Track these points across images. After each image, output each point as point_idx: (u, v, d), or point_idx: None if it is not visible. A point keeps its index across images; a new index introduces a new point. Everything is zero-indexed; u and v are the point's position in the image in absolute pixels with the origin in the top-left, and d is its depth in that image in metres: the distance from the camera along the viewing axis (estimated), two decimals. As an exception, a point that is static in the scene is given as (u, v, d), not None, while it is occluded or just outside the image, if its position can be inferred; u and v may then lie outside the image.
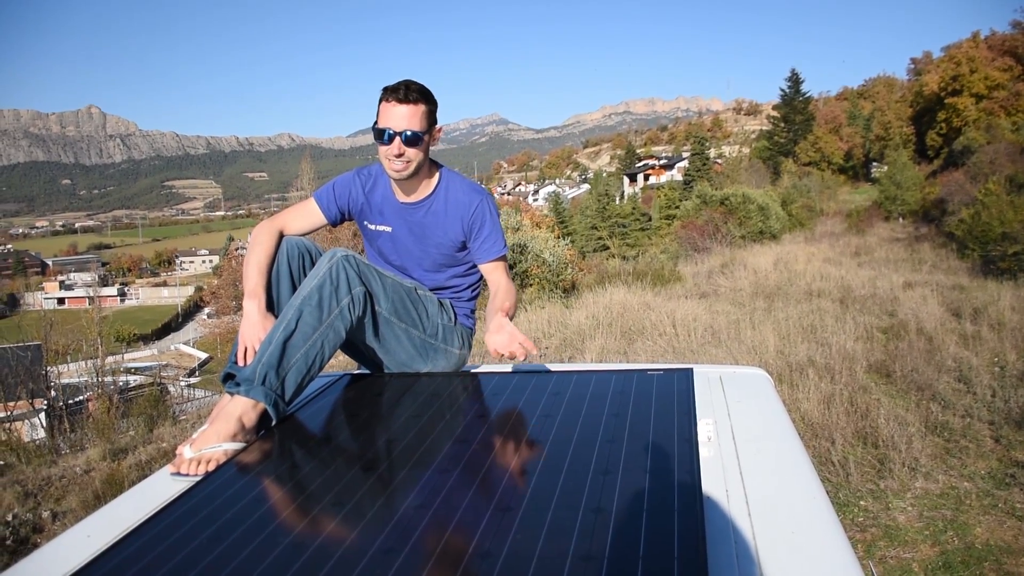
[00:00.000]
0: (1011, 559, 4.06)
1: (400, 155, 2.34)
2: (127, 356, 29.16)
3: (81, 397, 14.54)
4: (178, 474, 1.76)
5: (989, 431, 5.91)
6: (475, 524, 1.31)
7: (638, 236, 49.45)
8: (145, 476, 7.02)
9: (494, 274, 2.60)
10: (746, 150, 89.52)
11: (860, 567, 1.13)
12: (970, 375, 7.20)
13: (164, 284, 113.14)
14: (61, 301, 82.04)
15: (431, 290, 2.58)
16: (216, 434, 1.85)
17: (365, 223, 2.61)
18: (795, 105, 60.20)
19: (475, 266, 2.65)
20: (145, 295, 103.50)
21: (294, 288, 2.31)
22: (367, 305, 2.25)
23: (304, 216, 2.54)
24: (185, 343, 58.13)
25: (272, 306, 2.27)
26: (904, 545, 4.31)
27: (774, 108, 65.10)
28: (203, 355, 49.25)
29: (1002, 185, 21.79)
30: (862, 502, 4.86)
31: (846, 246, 23.82)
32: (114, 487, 6.91)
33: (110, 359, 16.97)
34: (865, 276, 15.18)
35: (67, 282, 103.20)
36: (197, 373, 39.68)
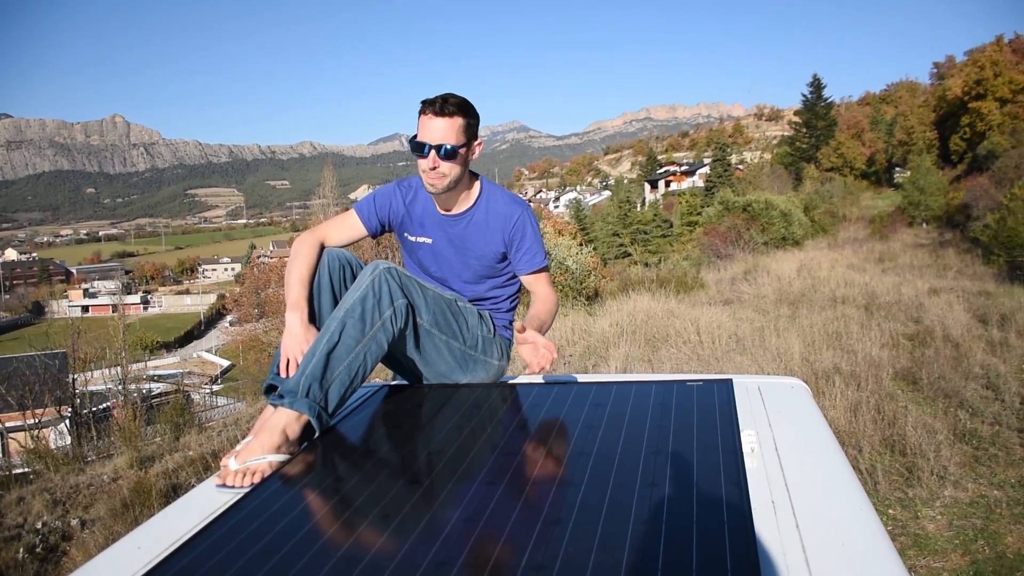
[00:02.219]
0: (1042, 569, 4.03)
1: (435, 168, 2.34)
2: (150, 364, 29.38)
3: (106, 404, 14.68)
4: (224, 486, 1.78)
5: (1018, 439, 5.85)
6: (526, 536, 1.31)
7: (660, 243, 49.37)
8: (173, 484, 7.06)
9: (536, 285, 2.63)
10: (768, 156, 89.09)
11: None
12: (998, 382, 7.13)
13: (187, 292, 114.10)
14: (85, 309, 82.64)
15: (470, 301, 2.60)
16: (260, 446, 1.87)
17: (405, 235, 2.62)
18: (817, 110, 59.82)
19: (514, 277, 2.66)
20: (168, 303, 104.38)
21: (335, 300, 2.33)
22: (409, 317, 2.27)
23: (345, 228, 2.55)
24: (208, 351, 58.54)
25: (313, 318, 2.29)
26: (934, 554, 4.27)
27: (796, 114, 64.77)
28: (225, 363, 49.50)
29: (1028, 190, 21.58)
30: (891, 511, 4.83)
31: (870, 252, 23.63)
32: (142, 495, 6.95)
33: (134, 366, 17.11)
34: (890, 282, 15.06)
35: (91, 290, 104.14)
36: (219, 381, 39.87)
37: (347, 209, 2.63)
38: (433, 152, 2.33)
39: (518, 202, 2.58)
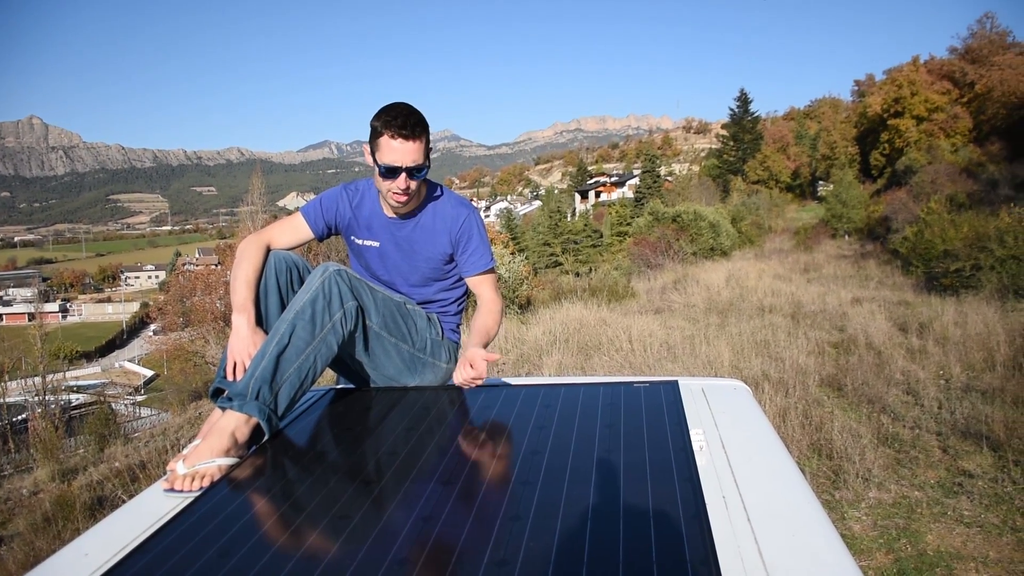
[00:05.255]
0: (960, 564, 4.17)
1: (407, 189, 2.35)
2: (69, 374, 28.45)
3: (23, 416, 14.14)
4: (172, 490, 1.74)
5: (937, 442, 6.04)
6: (486, 533, 1.33)
7: (590, 252, 49.77)
8: (99, 497, 6.80)
9: (481, 287, 2.62)
10: (696, 168, 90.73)
11: (858, 568, 1.18)
12: (917, 388, 7.37)
13: (108, 300, 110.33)
14: (-1, 317, 79.69)
15: (418, 304, 2.60)
16: (209, 449, 1.84)
17: (352, 238, 2.61)
18: (744, 124, 61.01)
19: (461, 280, 2.66)
20: (88, 311, 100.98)
21: (283, 302, 2.31)
22: (359, 319, 2.26)
23: (291, 231, 2.53)
24: (130, 360, 56.89)
25: (260, 320, 2.27)
26: (860, 553, 4.40)
27: (723, 127, 66.02)
28: (149, 372, 48.18)
29: (943, 204, 22.42)
30: (820, 513, 4.95)
31: (795, 263, 24.21)
32: (65, 509, 6.70)
33: (52, 376, 16.53)
34: (815, 292, 15.47)
35: (5, 297, 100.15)
36: (143, 391, 38.79)
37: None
38: (403, 175, 2.32)
39: (464, 203, 2.60)
